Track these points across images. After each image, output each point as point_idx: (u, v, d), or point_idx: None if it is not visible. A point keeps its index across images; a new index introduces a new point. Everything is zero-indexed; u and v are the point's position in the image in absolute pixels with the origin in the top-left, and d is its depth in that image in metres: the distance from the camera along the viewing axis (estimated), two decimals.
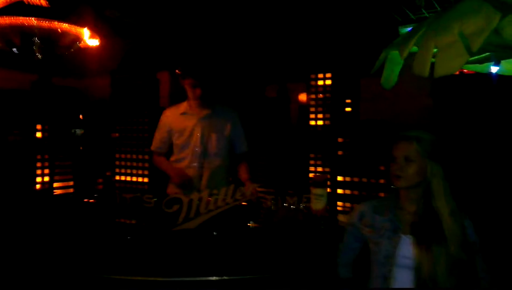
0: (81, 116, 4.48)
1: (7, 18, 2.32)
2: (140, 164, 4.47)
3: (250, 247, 2.12)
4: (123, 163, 4.60)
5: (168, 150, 3.00)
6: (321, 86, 4.11)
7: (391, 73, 2.16)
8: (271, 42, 4.26)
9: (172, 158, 2.96)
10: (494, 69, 2.36)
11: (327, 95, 4.08)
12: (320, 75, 4.09)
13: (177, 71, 2.83)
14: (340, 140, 3.94)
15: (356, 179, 3.84)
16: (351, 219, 1.89)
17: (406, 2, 3.56)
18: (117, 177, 4.64)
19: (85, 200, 2.56)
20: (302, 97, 4.26)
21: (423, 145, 1.64)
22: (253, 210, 2.35)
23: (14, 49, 2.41)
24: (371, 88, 3.97)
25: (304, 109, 4.23)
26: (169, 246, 2.10)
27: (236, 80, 4.54)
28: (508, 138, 3.57)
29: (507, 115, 3.64)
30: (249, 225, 2.27)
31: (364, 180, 3.83)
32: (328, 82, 4.08)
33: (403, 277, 1.63)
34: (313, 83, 4.13)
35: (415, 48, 1.76)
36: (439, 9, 3.55)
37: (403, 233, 1.66)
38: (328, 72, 4.05)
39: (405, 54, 1.81)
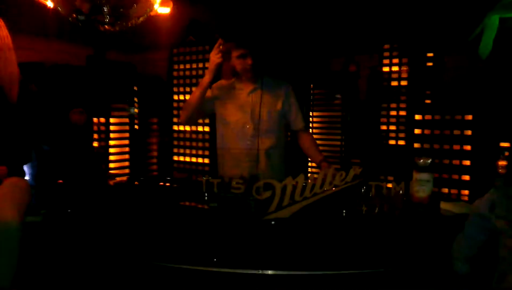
0: (135, 92, 4.31)
1: None
2: (200, 144, 4.28)
3: (347, 239, 1.89)
4: (181, 143, 4.43)
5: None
6: (396, 57, 3.74)
7: (490, 40, 1.91)
8: (337, 5, 3.82)
9: (220, 140, 2.74)
10: None
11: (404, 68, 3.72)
12: (396, 46, 3.72)
13: (221, 46, 2.52)
14: (418, 117, 3.59)
15: (436, 161, 3.50)
16: (478, 209, 1.67)
17: None
18: (175, 158, 4.48)
19: (161, 183, 2.38)
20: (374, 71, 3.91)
21: None
22: (349, 197, 2.11)
23: (82, 17, 2.18)
24: (456, 60, 3.57)
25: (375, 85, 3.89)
26: (261, 237, 1.88)
27: (295, 51, 4.17)
28: None
29: None
30: (344, 214, 2.04)
31: (446, 161, 3.49)
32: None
33: None
34: (387, 54, 3.77)
35: None
36: None
37: None
38: (405, 44, 3.67)
39: None
